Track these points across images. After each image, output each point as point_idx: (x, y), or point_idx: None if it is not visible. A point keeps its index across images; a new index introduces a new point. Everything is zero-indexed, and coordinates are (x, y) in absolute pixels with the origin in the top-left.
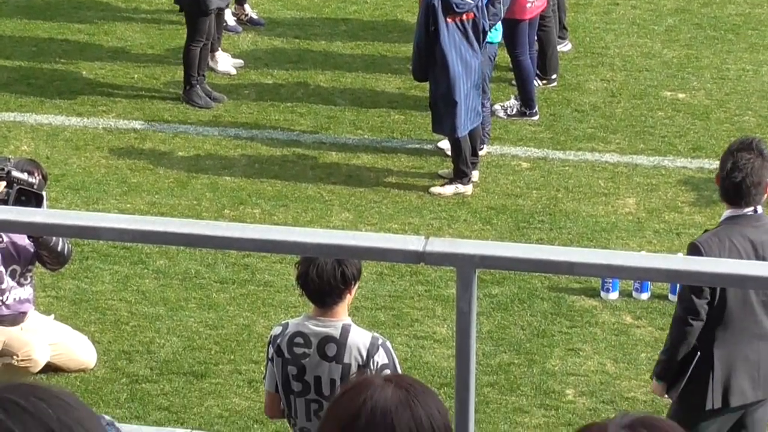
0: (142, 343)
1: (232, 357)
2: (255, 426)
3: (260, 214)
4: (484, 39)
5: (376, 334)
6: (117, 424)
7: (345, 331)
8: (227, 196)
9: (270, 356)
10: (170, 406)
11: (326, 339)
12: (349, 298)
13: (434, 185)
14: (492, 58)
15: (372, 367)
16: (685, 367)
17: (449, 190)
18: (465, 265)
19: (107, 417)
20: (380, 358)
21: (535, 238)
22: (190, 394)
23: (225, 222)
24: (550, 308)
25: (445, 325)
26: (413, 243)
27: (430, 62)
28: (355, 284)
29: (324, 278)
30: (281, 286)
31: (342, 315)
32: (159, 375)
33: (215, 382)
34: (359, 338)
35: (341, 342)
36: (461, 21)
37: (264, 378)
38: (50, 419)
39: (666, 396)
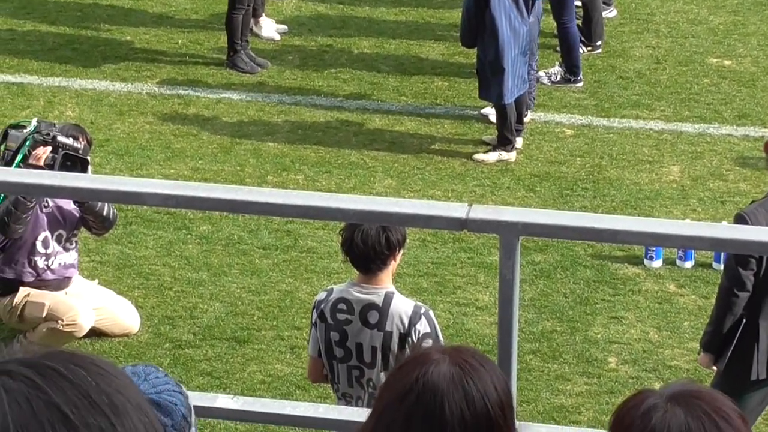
0: (185, 309)
1: (275, 323)
2: (297, 392)
3: (303, 180)
4: (533, 6)
5: (419, 303)
6: (160, 371)
7: (387, 298)
8: (270, 162)
9: (314, 321)
10: (213, 371)
11: (369, 306)
12: (393, 265)
13: (478, 152)
14: (539, 19)
15: (413, 336)
16: (730, 337)
17: (493, 157)
18: (508, 233)
19: (151, 366)
20: (422, 326)
21: (579, 206)
22: (232, 360)
23: (268, 188)
24: (593, 276)
25: (488, 293)
26: (456, 210)
27: (479, 28)
28: (399, 251)
29: (369, 244)
30: (324, 253)
31: (386, 282)
32: (202, 340)
33: (258, 347)
34: (401, 306)
35: (383, 309)
36: None
37: (307, 343)
38: (89, 386)
39: (714, 367)
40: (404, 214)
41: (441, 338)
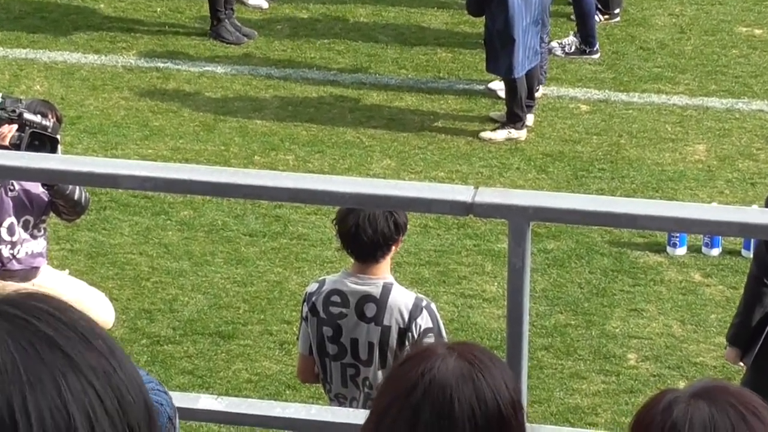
0: (164, 301)
1: (263, 316)
2: (287, 392)
3: (294, 160)
4: None
5: (420, 295)
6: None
7: (386, 290)
8: (258, 141)
9: (304, 315)
10: (195, 369)
11: (365, 298)
12: (393, 252)
13: (484, 130)
14: None
15: (414, 331)
16: (759, 330)
17: (501, 135)
18: (518, 218)
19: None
20: (423, 321)
21: (595, 188)
22: (216, 357)
23: (255, 169)
24: (610, 264)
25: (496, 283)
26: (461, 193)
27: None
28: (402, 236)
29: (378, 230)
30: (316, 240)
31: (384, 272)
32: (182, 336)
33: (244, 343)
34: (401, 299)
35: (381, 302)
36: None
37: (297, 339)
38: (83, 328)
39: (740, 363)
40: (404, 198)
41: (444, 334)
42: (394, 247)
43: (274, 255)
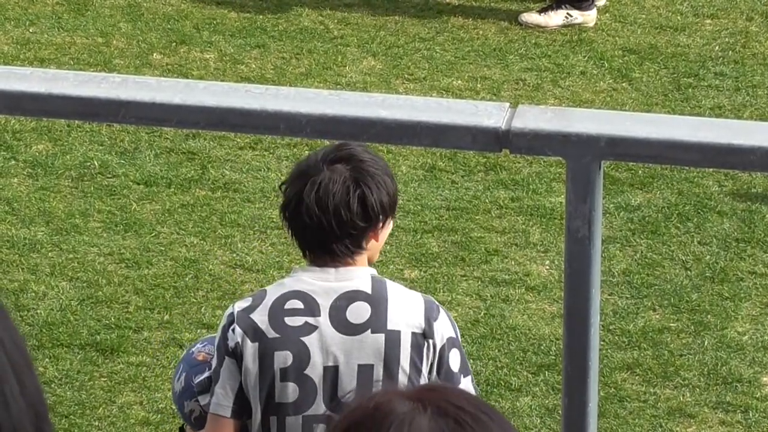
0: (6, 292)
1: (167, 317)
2: None
3: (216, 60)
4: None
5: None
6: None
7: (379, 283)
8: (158, 30)
9: (231, 348)
10: (57, 404)
11: (348, 297)
12: (374, 247)
13: (528, 10)
14: None
15: (436, 341)
16: None
17: (555, 18)
18: (582, 154)
19: None
20: (443, 326)
21: (709, 106)
22: (91, 384)
23: (153, 77)
24: (734, 231)
25: (547, 261)
26: (490, 114)
27: None
28: (387, 220)
29: (329, 208)
30: (254, 191)
31: (364, 264)
32: (37, 349)
33: (137, 361)
34: (403, 295)
35: (377, 298)
36: None
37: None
38: None
39: None
40: (398, 123)
41: (461, 351)
42: (370, 240)
43: (186, 216)
